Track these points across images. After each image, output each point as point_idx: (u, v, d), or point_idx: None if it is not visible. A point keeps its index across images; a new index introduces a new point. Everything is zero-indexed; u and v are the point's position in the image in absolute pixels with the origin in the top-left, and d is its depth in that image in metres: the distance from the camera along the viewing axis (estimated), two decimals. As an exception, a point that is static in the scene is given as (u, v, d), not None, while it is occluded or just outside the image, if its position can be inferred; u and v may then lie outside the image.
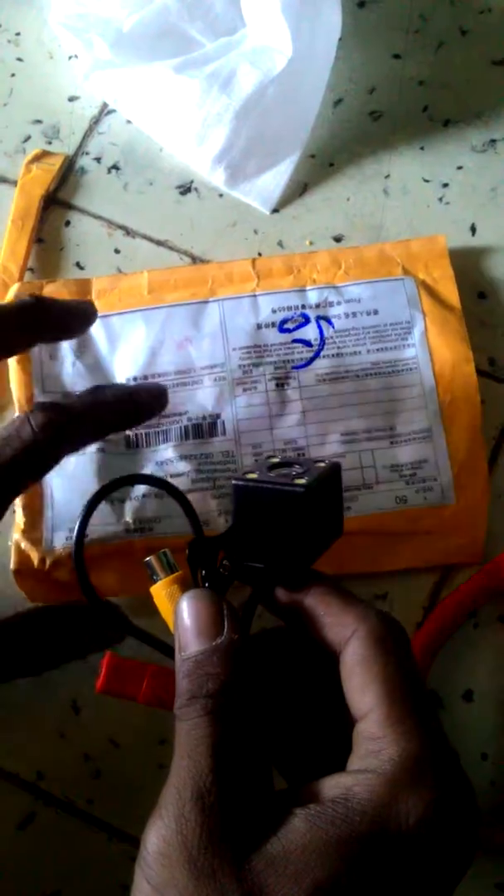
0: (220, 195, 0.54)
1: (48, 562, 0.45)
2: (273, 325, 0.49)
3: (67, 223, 0.53)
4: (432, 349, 0.49)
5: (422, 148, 0.54)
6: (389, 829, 0.25)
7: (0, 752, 0.45)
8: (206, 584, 0.31)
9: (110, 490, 0.32)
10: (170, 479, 0.46)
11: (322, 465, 0.32)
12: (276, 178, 0.53)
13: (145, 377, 0.48)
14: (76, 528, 0.31)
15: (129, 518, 0.46)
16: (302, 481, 0.30)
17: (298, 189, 0.54)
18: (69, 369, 0.49)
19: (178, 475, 0.47)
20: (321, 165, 0.54)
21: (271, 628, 0.33)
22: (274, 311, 0.49)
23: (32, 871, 0.43)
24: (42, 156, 0.54)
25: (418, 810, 0.25)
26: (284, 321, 0.49)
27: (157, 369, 0.49)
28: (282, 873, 0.24)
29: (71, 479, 0.46)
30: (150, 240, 0.53)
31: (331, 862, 0.25)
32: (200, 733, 0.27)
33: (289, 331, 0.49)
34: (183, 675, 0.28)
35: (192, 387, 0.48)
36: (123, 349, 0.49)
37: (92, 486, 0.46)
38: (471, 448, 0.47)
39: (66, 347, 0.49)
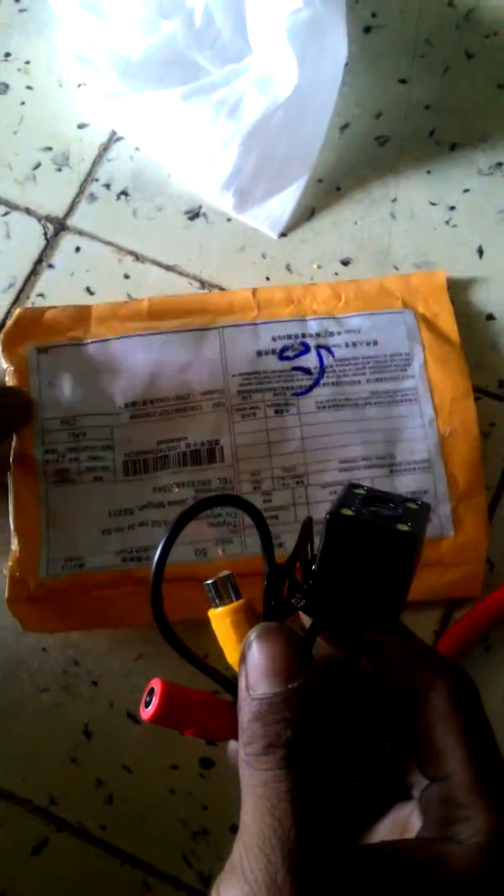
0: (229, 220, 0.54)
1: (44, 590, 0.45)
2: (273, 352, 0.49)
3: (77, 249, 0.54)
4: (431, 381, 0.48)
5: (428, 172, 0.55)
6: None
7: (13, 778, 0.45)
8: (273, 615, 0.29)
9: (194, 513, 0.30)
10: (167, 507, 0.46)
11: (414, 506, 0.30)
12: (284, 203, 0.53)
13: (144, 402, 0.48)
14: (158, 550, 0.29)
15: (126, 546, 0.46)
16: (405, 527, 0.28)
17: (306, 213, 0.54)
18: (69, 394, 0.48)
19: (176, 503, 0.46)
20: (329, 190, 0.55)
21: (324, 662, 0.32)
22: (274, 339, 0.49)
23: (45, 898, 0.43)
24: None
25: None
26: (284, 349, 0.49)
27: (157, 394, 0.48)
28: None
29: (69, 508, 0.46)
30: (160, 265, 0.53)
31: None
32: (282, 788, 0.25)
33: (289, 358, 0.49)
34: (253, 717, 0.27)
35: (191, 412, 0.48)
36: (123, 373, 0.49)
37: (90, 515, 0.46)
38: (470, 481, 0.47)
39: (67, 373, 0.48)
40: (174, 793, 0.44)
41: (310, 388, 0.48)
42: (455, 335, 0.49)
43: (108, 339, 0.49)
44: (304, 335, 0.49)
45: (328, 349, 0.49)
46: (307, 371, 0.49)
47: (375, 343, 0.49)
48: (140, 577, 0.45)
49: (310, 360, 0.49)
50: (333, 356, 0.49)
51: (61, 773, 0.45)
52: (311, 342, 0.49)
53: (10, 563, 0.45)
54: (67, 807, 0.44)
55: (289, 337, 0.49)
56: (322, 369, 0.49)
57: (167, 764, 0.45)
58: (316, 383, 0.48)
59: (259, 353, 0.49)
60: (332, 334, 0.49)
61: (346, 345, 0.49)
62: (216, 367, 0.49)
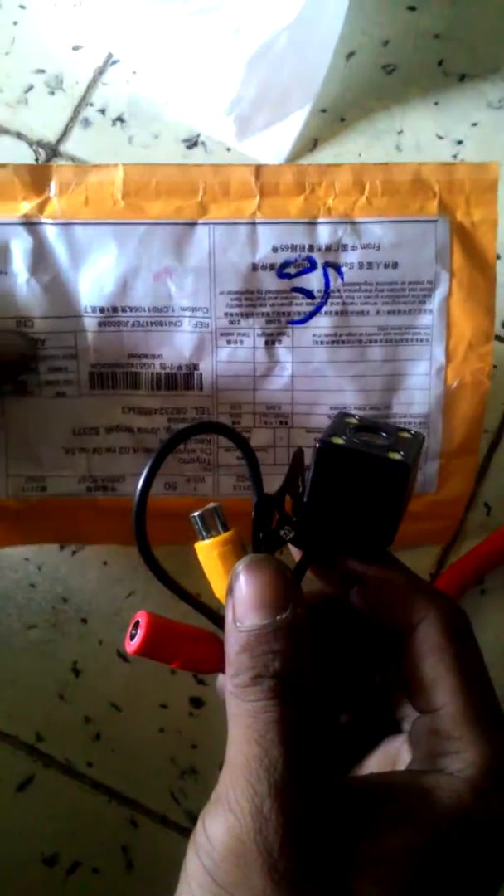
0: (228, 149, 0.52)
1: (5, 510, 0.43)
2: (272, 267, 0.43)
3: (70, 177, 0.52)
4: (452, 319, 0.43)
5: (436, 103, 0.53)
6: (474, 836, 0.25)
7: (0, 713, 0.44)
8: (262, 547, 0.29)
9: (178, 442, 0.29)
10: (137, 434, 0.43)
11: (408, 435, 0.30)
12: (286, 133, 0.51)
13: (115, 309, 0.42)
14: (142, 478, 0.28)
15: (93, 473, 0.43)
16: (397, 456, 0.28)
17: (308, 144, 0.52)
18: (22, 288, 0.42)
19: (147, 430, 0.43)
20: (332, 120, 0.53)
21: (312, 596, 0.31)
22: (275, 250, 0.43)
23: (31, 833, 0.43)
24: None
25: (500, 817, 0.25)
26: (286, 264, 0.43)
27: (129, 302, 0.43)
28: (370, 883, 0.24)
29: (28, 422, 0.43)
30: (156, 195, 0.51)
31: (419, 869, 0.24)
32: (270, 718, 0.25)
33: (289, 276, 0.43)
34: (240, 649, 0.26)
35: (168, 328, 0.43)
36: (89, 271, 0.42)
37: (52, 431, 0.43)
38: (466, 439, 0.44)
39: (20, 260, 0.42)
40: (163, 731, 0.44)
41: (309, 316, 0.43)
42: (492, 254, 0.43)
43: (72, 223, 0.42)
44: (311, 247, 0.43)
45: (337, 268, 0.43)
46: (309, 294, 0.43)
47: (395, 265, 0.43)
48: (106, 506, 0.43)
49: (314, 281, 0.43)
50: (342, 278, 0.43)
51: (49, 709, 0.44)
52: (319, 258, 0.43)
53: None
54: (54, 743, 0.44)
55: (293, 248, 0.43)
56: (327, 293, 0.43)
57: (156, 703, 0.44)
58: (317, 310, 0.43)
59: (255, 267, 0.43)
60: (345, 248, 0.43)
61: (360, 265, 0.43)
62: (202, 280, 0.42)
